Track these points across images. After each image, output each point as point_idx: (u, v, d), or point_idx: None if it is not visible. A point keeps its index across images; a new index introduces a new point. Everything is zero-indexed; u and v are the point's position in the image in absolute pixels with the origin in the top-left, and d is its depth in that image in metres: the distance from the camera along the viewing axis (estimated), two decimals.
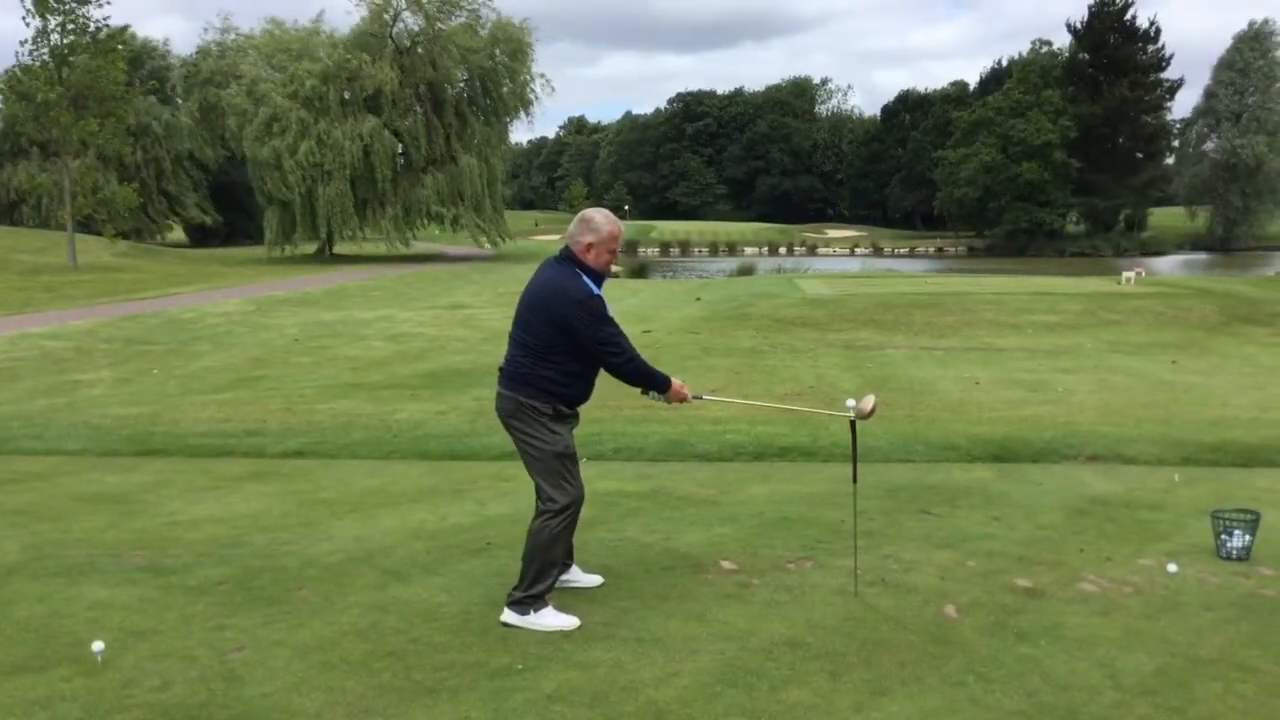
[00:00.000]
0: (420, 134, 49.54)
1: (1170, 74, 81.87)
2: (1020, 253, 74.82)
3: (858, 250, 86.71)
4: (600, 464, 8.06)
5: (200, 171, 67.23)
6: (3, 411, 11.41)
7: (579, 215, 4.56)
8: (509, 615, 4.39)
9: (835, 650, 4.06)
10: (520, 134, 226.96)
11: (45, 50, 39.06)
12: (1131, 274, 31.24)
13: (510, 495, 6.82)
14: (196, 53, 53.73)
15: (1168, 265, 59.57)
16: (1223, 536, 5.36)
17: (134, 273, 38.19)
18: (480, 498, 6.76)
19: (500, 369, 4.53)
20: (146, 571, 5.10)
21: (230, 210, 73.18)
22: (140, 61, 61.64)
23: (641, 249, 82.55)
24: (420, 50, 50.36)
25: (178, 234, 73.77)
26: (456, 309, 25.92)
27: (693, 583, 4.89)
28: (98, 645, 3.95)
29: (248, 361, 16.84)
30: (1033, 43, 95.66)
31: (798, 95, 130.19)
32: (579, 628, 4.30)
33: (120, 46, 41.38)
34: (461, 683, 3.77)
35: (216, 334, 20.94)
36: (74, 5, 38.71)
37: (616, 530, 5.85)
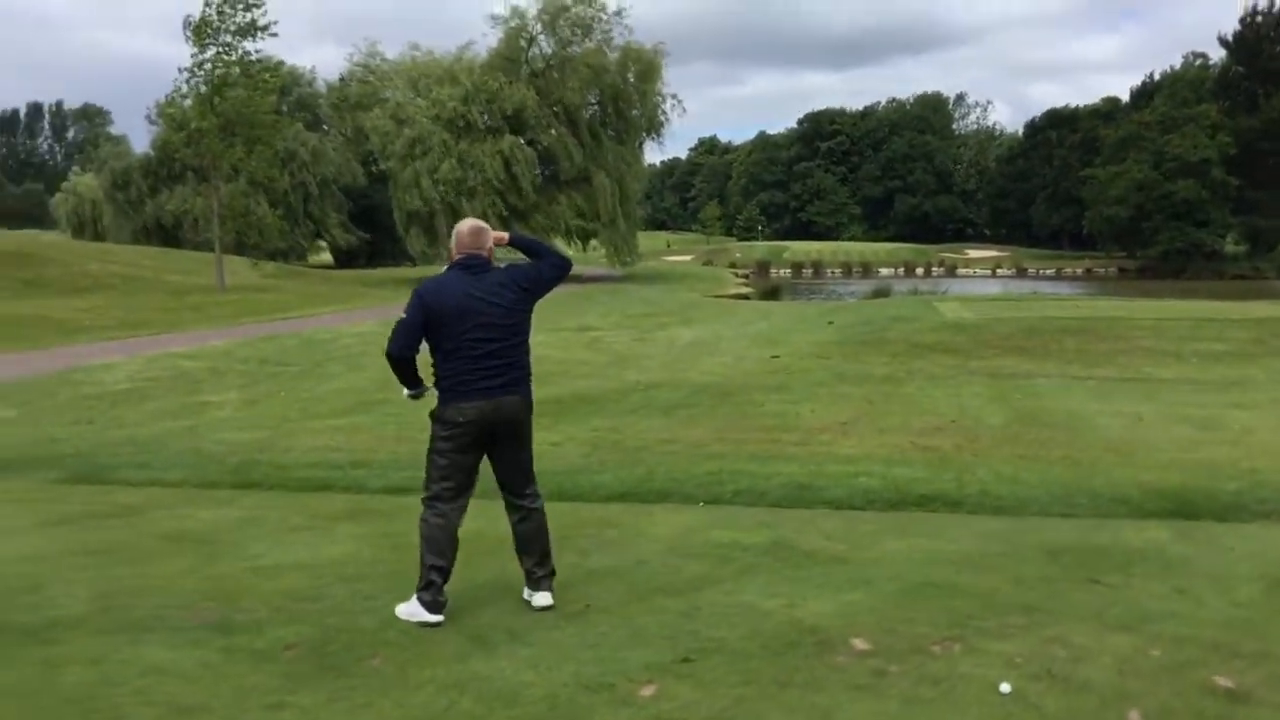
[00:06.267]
0: (559, 151, 50.23)
1: None
2: (1176, 274, 70.91)
3: (999, 271, 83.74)
4: (717, 508, 7.40)
5: (343, 195, 69.28)
6: (120, 436, 11.44)
7: None
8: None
9: None
10: (652, 155, 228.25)
11: (201, 80, 40.50)
12: None
13: (615, 545, 6.21)
14: (341, 80, 55.44)
15: None
16: None
17: (277, 293, 39.24)
18: (583, 546, 6.15)
19: (496, 378, 5.04)
20: (213, 630, 4.66)
21: (373, 230, 75.28)
22: (288, 89, 63.90)
23: (774, 270, 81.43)
24: (555, 73, 51.01)
25: (324, 256, 76.24)
26: (583, 331, 25.56)
27: (819, 666, 4.18)
28: None
29: (373, 384, 16.74)
30: (1185, 56, 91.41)
31: (933, 111, 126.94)
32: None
33: (269, 77, 42.60)
34: None
35: (350, 354, 21.05)
36: (229, 40, 39.97)
37: (733, 592, 5.17)
